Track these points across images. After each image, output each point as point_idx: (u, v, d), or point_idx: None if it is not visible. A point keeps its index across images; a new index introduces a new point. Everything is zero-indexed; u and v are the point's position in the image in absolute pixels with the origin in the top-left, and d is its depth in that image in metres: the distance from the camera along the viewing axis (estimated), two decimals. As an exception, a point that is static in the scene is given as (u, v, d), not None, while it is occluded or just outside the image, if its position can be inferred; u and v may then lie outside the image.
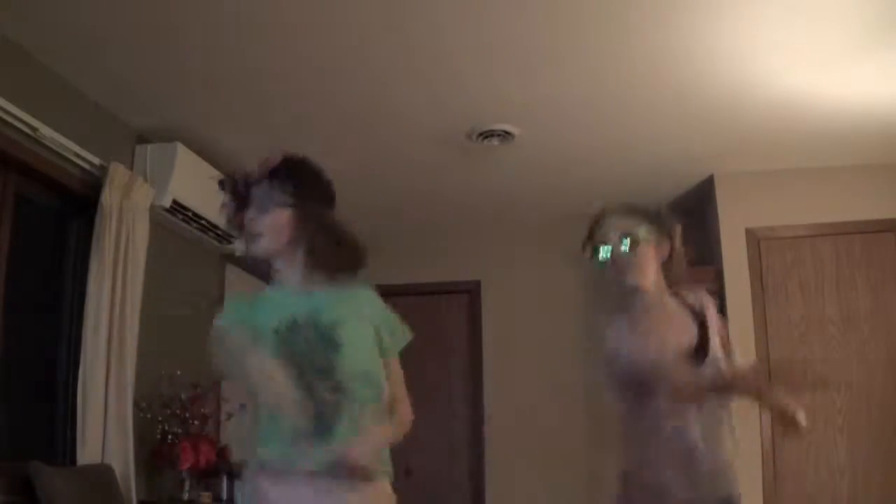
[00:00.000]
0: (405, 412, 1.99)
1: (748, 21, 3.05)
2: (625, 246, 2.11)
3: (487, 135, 4.06)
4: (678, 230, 2.21)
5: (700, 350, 2.08)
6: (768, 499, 4.24)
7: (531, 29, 3.12)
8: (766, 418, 3.99)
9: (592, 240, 2.19)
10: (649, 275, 2.14)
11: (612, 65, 3.41)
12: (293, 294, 1.95)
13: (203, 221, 4.16)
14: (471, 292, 5.49)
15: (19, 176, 3.27)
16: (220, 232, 4.33)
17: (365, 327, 1.94)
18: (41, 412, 3.47)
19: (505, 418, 5.28)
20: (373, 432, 1.88)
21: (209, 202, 4.14)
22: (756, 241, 4.48)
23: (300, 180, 1.94)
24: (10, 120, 3.07)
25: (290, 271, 1.96)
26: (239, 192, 1.94)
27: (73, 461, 3.27)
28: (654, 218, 2.19)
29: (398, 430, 1.97)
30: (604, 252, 2.14)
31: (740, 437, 2.09)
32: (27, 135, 3.18)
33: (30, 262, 3.45)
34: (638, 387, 2.02)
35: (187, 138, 3.96)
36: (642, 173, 4.59)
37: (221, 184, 1.97)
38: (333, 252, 1.94)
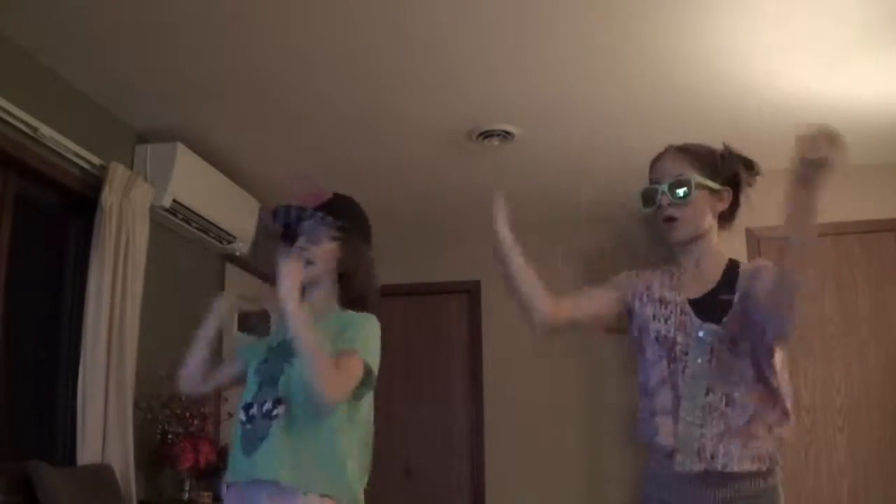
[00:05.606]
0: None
1: (748, 21, 3.05)
2: (676, 192, 1.84)
3: (487, 135, 4.06)
4: (746, 176, 1.86)
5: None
6: (768, 499, 4.24)
7: (531, 29, 3.12)
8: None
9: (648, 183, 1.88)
10: (697, 228, 1.84)
11: (611, 65, 3.41)
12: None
13: (203, 221, 4.16)
14: (471, 292, 5.48)
15: (19, 176, 3.27)
16: (220, 232, 4.33)
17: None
18: (41, 412, 3.47)
19: (505, 418, 5.29)
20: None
21: (209, 202, 4.17)
22: (756, 241, 4.47)
23: (348, 217, 2.08)
24: (10, 120, 3.07)
25: (319, 298, 2.04)
26: (290, 222, 2.06)
27: (73, 461, 3.27)
28: (715, 160, 1.87)
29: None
30: (651, 198, 1.88)
31: None
32: (27, 135, 3.18)
33: (30, 262, 3.45)
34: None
35: (187, 138, 3.96)
36: (643, 173, 4.57)
37: (274, 213, 2.09)
38: (367, 286, 2.08)
